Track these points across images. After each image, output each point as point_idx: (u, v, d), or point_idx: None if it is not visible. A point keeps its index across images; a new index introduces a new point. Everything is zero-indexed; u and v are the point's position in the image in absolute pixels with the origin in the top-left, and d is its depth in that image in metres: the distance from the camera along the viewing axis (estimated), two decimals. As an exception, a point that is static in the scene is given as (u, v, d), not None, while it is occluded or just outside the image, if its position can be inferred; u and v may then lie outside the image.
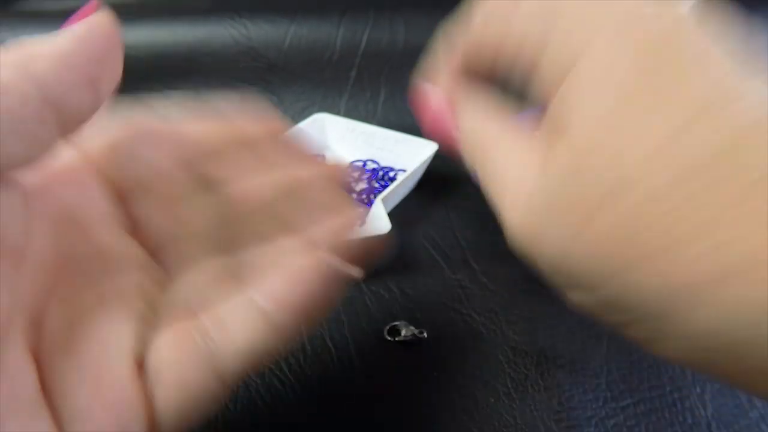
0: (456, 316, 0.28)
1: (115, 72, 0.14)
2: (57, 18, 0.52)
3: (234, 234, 0.18)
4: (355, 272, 0.18)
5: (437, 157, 0.38)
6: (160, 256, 0.17)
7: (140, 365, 0.14)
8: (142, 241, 0.17)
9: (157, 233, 0.17)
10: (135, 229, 0.17)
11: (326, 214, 0.19)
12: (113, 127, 0.17)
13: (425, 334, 0.27)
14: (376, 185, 0.40)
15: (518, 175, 0.15)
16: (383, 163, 0.42)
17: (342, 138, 0.43)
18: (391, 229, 0.29)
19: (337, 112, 0.48)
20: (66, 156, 0.16)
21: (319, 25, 0.51)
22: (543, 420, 0.23)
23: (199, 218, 0.17)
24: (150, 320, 0.15)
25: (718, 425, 0.23)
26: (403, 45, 0.50)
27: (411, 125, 0.49)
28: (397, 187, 0.35)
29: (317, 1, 0.52)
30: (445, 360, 0.26)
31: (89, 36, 0.14)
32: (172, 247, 0.17)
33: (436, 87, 0.20)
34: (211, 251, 0.17)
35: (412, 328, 0.27)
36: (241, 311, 0.15)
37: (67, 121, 0.14)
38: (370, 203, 0.34)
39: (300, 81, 0.51)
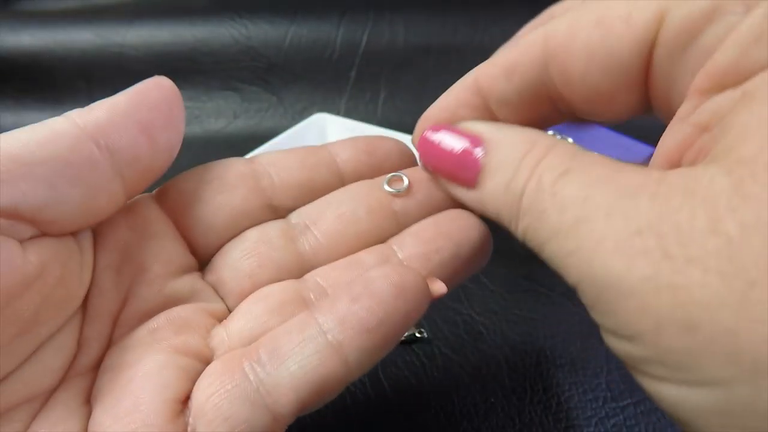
0: (456, 316, 0.28)
1: (172, 122, 0.15)
2: (57, 18, 0.52)
3: (311, 262, 0.17)
4: (439, 288, 0.15)
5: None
6: (222, 290, 0.16)
7: (186, 401, 0.13)
8: (205, 277, 0.16)
9: (222, 267, 0.16)
10: (201, 268, 0.17)
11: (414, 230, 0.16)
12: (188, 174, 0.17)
13: (425, 334, 0.27)
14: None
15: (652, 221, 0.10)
16: (383, 163, 0.42)
17: (342, 138, 0.43)
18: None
19: (337, 112, 0.48)
20: (137, 202, 0.16)
21: (319, 25, 0.51)
22: (543, 420, 0.23)
23: (269, 247, 0.16)
24: (203, 354, 0.15)
25: (718, 425, 0.23)
26: (403, 45, 0.50)
27: (411, 125, 0.49)
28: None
29: (317, 1, 0.51)
30: (445, 360, 0.26)
31: (142, 88, 0.14)
32: (237, 277, 0.16)
33: (457, 125, 0.16)
34: (281, 279, 0.16)
35: (412, 327, 0.27)
36: (298, 334, 0.13)
37: (123, 166, 0.14)
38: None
39: (300, 81, 0.51)
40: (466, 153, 0.15)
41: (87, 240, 0.15)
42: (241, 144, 0.44)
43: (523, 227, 0.13)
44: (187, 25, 0.51)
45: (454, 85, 0.17)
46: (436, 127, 0.16)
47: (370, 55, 0.51)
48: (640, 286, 0.10)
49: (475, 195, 0.15)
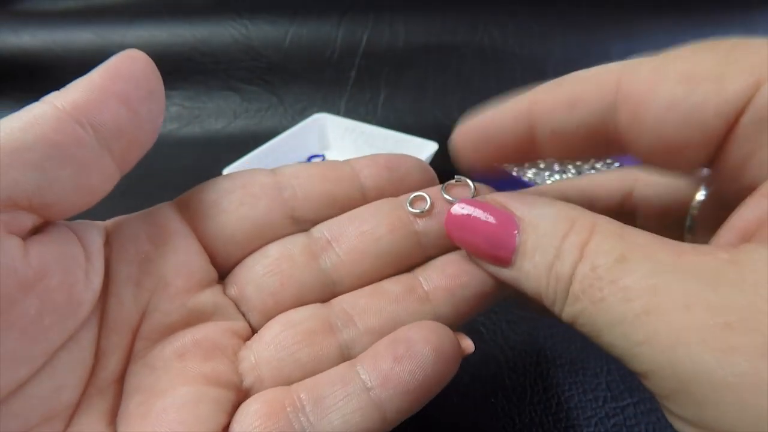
0: (456, 316, 0.28)
1: (151, 92, 0.15)
2: (57, 18, 0.52)
3: (333, 279, 0.16)
4: (469, 345, 0.16)
5: (437, 157, 0.38)
6: (244, 307, 0.16)
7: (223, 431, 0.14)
8: (226, 290, 0.16)
9: (244, 283, 0.16)
10: (220, 279, 0.17)
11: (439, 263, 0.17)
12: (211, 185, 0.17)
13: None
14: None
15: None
16: (383, 163, 0.42)
17: (342, 138, 0.43)
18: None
19: (337, 112, 0.48)
20: (157, 212, 0.16)
21: (319, 25, 0.51)
22: (543, 420, 0.23)
23: (292, 265, 0.16)
24: (233, 383, 0.15)
25: (718, 425, 0.23)
26: (403, 45, 0.50)
27: (411, 125, 0.49)
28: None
29: (317, 1, 0.52)
30: (445, 360, 0.26)
31: (115, 62, 0.14)
32: (260, 295, 0.16)
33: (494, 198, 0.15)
34: (303, 299, 0.16)
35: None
36: (342, 387, 0.14)
37: (109, 141, 0.14)
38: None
39: (300, 81, 0.51)
40: (499, 232, 0.14)
41: (95, 246, 0.15)
42: (241, 144, 0.44)
43: (574, 312, 0.12)
44: (187, 25, 0.51)
45: (506, 104, 0.16)
46: (466, 202, 0.15)
47: (370, 55, 0.51)
48: (736, 382, 0.10)
49: (511, 274, 0.14)
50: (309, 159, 0.42)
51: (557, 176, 0.39)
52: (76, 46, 0.50)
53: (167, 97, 0.50)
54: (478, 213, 0.15)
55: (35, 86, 0.51)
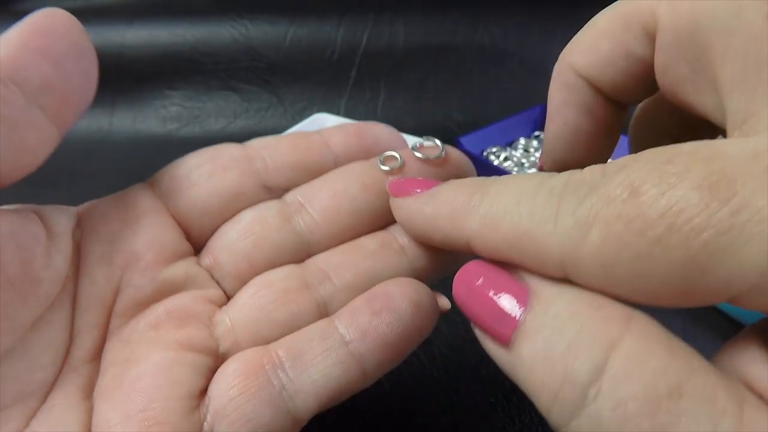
0: (456, 316, 0.28)
1: (76, 46, 0.14)
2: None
3: (308, 240, 0.16)
4: (446, 303, 0.16)
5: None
6: (218, 274, 0.16)
7: (200, 396, 0.14)
8: (200, 261, 0.16)
9: (218, 249, 0.16)
10: (197, 253, 0.17)
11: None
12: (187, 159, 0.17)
13: (425, 334, 0.27)
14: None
15: None
16: (383, 163, 0.42)
17: (342, 138, 0.43)
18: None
19: (337, 112, 0.48)
20: (130, 192, 0.16)
21: (319, 25, 0.51)
22: (543, 420, 0.23)
23: (265, 227, 0.16)
24: (209, 347, 0.15)
25: (718, 425, 0.23)
26: (403, 45, 0.50)
27: (411, 125, 0.49)
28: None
29: (317, 1, 0.52)
30: (445, 360, 0.26)
31: (33, 18, 0.14)
32: (234, 259, 0.16)
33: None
34: (278, 261, 0.16)
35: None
36: (320, 342, 0.14)
37: (36, 96, 0.13)
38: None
39: (300, 81, 0.51)
40: (504, 302, 0.11)
41: (60, 227, 0.15)
42: (241, 144, 0.44)
43: (587, 428, 0.10)
44: (187, 25, 0.51)
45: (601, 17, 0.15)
46: (477, 264, 0.13)
47: (370, 55, 0.51)
48: None
49: (507, 358, 0.11)
50: (309, 159, 0.43)
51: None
52: (76, 46, 0.51)
53: (167, 97, 0.50)
54: (486, 280, 0.12)
55: (35, 86, 0.51)
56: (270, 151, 0.17)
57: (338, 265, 0.16)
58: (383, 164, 0.17)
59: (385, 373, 0.14)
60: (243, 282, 0.16)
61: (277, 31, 0.51)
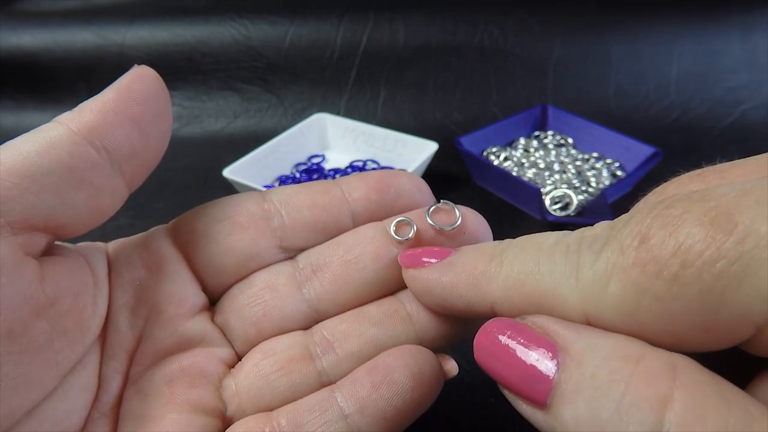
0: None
1: (161, 112, 0.15)
2: (57, 18, 0.52)
3: (316, 308, 0.17)
4: (453, 368, 0.15)
5: (437, 156, 0.38)
6: (230, 335, 0.16)
7: None
8: (215, 318, 0.17)
9: (229, 312, 0.17)
10: (211, 305, 0.17)
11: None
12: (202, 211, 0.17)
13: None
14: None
15: None
16: (383, 163, 0.42)
17: (342, 138, 0.43)
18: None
19: (337, 112, 0.48)
20: (151, 238, 0.16)
21: (319, 25, 0.51)
22: (543, 420, 0.23)
23: (275, 295, 0.16)
24: (217, 410, 0.15)
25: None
26: (403, 45, 0.50)
27: (411, 125, 0.49)
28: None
29: (317, 1, 0.51)
30: (445, 360, 0.26)
31: (128, 83, 0.14)
32: (243, 325, 0.16)
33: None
34: (285, 328, 0.16)
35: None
36: (320, 414, 0.14)
37: (121, 163, 0.14)
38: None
39: (300, 81, 0.51)
40: (533, 363, 0.11)
41: (102, 272, 0.15)
42: (241, 144, 0.44)
43: None
44: (187, 25, 0.51)
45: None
46: (498, 323, 0.12)
47: (370, 55, 0.51)
48: None
49: (546, 420, 0.11)
50: (309, 159, 0.42)
51: (557, 176, 0.39)
52: (76, 46, 0.50)
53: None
54: (510, 339, 0.11)
55: (35, 86, 0.51)
56: (288, 208, 0.17)
57: (343, 333, 0.16)
58: (396, 234, 0.16)
59: None
60: (252, 345, 0.16)
61: (277, 31, 0.51)
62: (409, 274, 0.15)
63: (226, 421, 0.15)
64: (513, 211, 0.37)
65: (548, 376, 0.10)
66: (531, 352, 0.11)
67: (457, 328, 0.16)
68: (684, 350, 0.10)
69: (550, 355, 0.11)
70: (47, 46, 0.50)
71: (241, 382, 0.15)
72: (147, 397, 0.14)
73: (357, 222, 0.17)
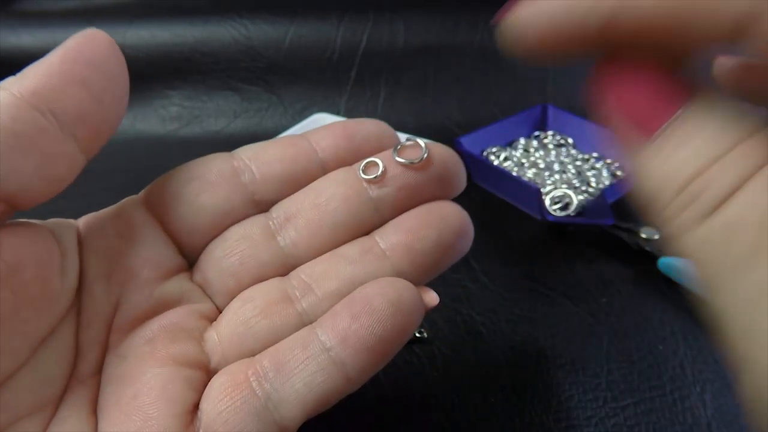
0: (456, 316, 0.28)
1: (113, 75, 0.14)
2: (57, 18, 0.52)
3: (292, 254, 0.17)
4: (433, 299, 0.16)
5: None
6: (210, 290, 0.16)
7: (194, 411, 0.14)
8: (193, 277, 0.17)
9: (207, 267, 0.17)
10: (189, 267, 0.17)
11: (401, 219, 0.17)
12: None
13: (425, 334, 0.27)
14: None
15: None
16: (383, 163, 0.42)
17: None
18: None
19: (337, 112, 0.48)
20: (123, 207, 0.16)
21: (319, 25, 0.51)
22: (543, 420, 0.23)
23: (250, 245, 0.16)
24: (201, 362, 0.15)
25: (718, 425, 0.23)
26: (403, 45, 0.50)
27: (411, 125, 0.49)
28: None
29: (317, 1, 0.52)
30: (445, 360, 0.26)
31: (74, 44, 0.14)
32: (221, 277, 0.16)
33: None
34: (263, 277, 0.16)
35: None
36: (302, 350, 0.14)
37: (72, 128, 0.13)
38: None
39: (300, 81, 0.51)
40: (661, 96, 0.10)
41: (70, 243, 0.15)
42: (241, 144, 0.44)
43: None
44: (187, 25, 0.51)
45: None
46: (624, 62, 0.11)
47: (370, 55, 0.51)
48: None
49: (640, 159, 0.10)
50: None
51: (557, 176, 0.39)
52: (76, 46, 0.50)
53: (167, 97, 0.50)
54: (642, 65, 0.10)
55: (35, 86, 0.51)
56: (258, 163, 0.17)
57: (320, 274, 0.16)
58: (364, 173, 0.17)
59: (373, 374, 0.14)
60: (232, 297, 0.16)
61: (277, 31, 0.51)
62: (508, 19, 0.12)
63: (211, 373, 0.15)
64: (513, 211, 0.37)
65: (669, 111, 0.10)
66: (664, 82, 0.10)
67: (435, 261, 0.16)
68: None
69: (682, 96, 0.10)
70: (47, 46, 0.50)
71: (222, 331, 0.15)
72: (127, 358, 0.14)
73: (327, 170, 0.17)
